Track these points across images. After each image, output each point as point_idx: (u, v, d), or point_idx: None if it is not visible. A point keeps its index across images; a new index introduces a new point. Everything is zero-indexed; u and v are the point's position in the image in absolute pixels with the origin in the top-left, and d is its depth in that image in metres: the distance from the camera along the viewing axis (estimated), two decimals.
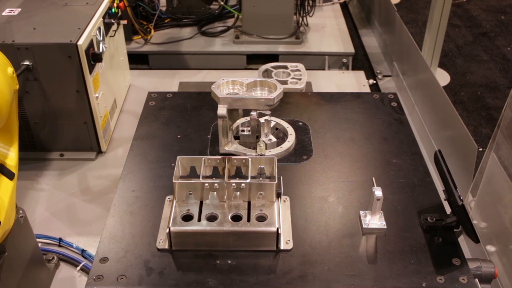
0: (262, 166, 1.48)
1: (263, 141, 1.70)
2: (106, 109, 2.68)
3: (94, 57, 2.40)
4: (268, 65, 2.46)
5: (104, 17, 2.62)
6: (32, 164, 2.58)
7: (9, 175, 1.55)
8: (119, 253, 1.36)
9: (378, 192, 1.39)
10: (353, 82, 3.44)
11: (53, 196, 2.42)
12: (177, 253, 1.36)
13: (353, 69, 3.71)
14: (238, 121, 1.79)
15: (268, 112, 1.72)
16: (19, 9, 2.56)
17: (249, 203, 1.43)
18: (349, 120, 1.90)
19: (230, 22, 4.01)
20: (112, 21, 2.71)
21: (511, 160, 1.91)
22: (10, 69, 1.63)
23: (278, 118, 1.85)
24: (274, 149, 1.71)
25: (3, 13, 2.51)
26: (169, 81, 3.41)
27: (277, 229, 1.34)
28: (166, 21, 4.00)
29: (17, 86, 1.65)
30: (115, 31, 2.78)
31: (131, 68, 3.31)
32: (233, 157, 1.51)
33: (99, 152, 2.66)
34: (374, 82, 3.56)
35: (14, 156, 1.60)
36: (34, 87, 2.38)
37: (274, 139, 1.72)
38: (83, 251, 2.10)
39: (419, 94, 3.01)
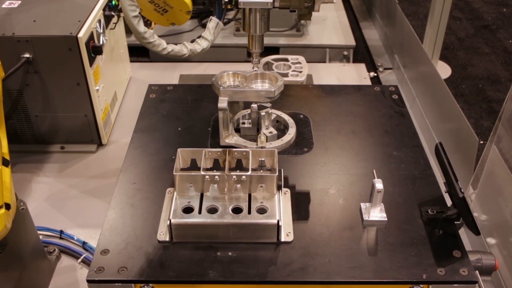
0: (262, 159, 1.48)
1: (264, 133, 1.70)
2: (107, 102, 2.67)
3: (95, 50, 2.40)
4: (269, 58, 2.45)
5: (104, 10, 2.61)
6: (32, 157, 2.58)
7: (5, 162, 1.56)
8: (120, 245, 1.36)
9: (378, 185, 1.39)
10: (354, 74, 3.43)
11: (54, 188, 2.42)
12: (177, 245, 1.36)
13: (354, 61, 3.70)
14: (238, 113, 1.79)
15: (269, 105, 1.71)
16: (19, 2, 2.55)
17: (249, 195, 1.43)
18: (350, 112, 1.90)
19: (230, 14, 3.98)
20: (113, 13, 2.70)
21: None
22: None
23: (278, 110, 1.85)
24: (275, 142, 1.71)
25: (3, 6, 2.51)
26: (169, 74, 3.40)
27: (278, 221, 1.35)
28: None
29: (3, 74, 1.64)
30: (116, 23, 2.77)
31: (131, 61, 3.30)
32: (234, 149, 1.51)
33: (100, 144, 2.66)
34: (375, 74, 3.55)
35: (5, 144, 1.61)
36: (35, 80, 2.38)
37: (274, 132, 1.72)
38: (84, 243, 2.11)
39: (420, 86, 3.00)
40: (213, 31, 1.61)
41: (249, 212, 1.37)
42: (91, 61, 2.39)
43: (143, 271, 1.29)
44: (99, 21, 2.51)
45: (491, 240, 2.02)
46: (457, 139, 2.39)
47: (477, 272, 1.40)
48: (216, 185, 1.42)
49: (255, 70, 1.67)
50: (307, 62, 2.47)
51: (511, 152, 1.92)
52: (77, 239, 2.13)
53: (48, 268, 2.00)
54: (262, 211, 1.39)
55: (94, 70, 2.43)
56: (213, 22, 1.61)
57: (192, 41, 1.60)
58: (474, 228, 1.32)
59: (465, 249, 1.36)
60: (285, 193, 1.50)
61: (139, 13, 1.49)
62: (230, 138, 1.69)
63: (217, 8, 1.60)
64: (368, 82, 3.35)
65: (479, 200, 2.15)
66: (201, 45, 1.60)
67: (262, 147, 1.65)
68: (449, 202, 1.46)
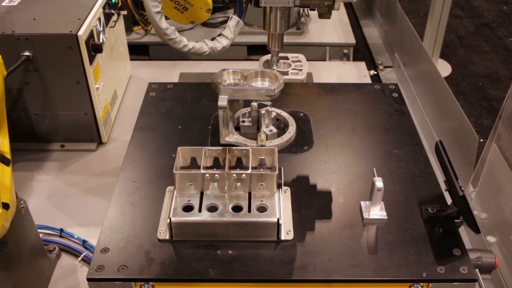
0: (262, 157, 1.48)
1: (264, 132, 1.70)
2: (107, 100, 2.67)
3: (94, 48, 2.39)
4: (269, 56, 2.45)
5: (104, 8, 2.60)
6: (32, 155, 2.58)
7: (6, 162, 1.56)
8: (120, 243, 1.36)
9: (379, 183, 1.39)
10: (354, 73, 3.43)
11: (54, 187, 2.43)
12: (178, 244, 1.36)
13: (354, 60, 3.70)
14: (238, 111, 1.79)
15: (269, 103, 1.71)
16: (19, 0, 2.55)
17: (249, 193, 1.43)
18: (350, 111, 1.90)
19: (230, 12, 3.97)
20: (112, 11, 2.70)
21: None
22: None
23: (278, 109, 1.84)
24: (275, 140, 1.70)
25: (3, 4, 2.50)
26: (169, 72, 3.40)
27: (278, 219, 1.35)
28: None
29: (5, 73, 1.65)
30: (115, 21, 2.77)
31: (131, 59, 3.30)
32: (234, 147, 1.51)
33: (100, 143, 2.66)
34: (375, 73, 3.55)
35: (6, 143, 1.61)
36: (34, 78, 2.38)
37: (274, 130, 1.72)
38: (84, 241, 2.11)
39: (420, 85, 3.00)
40: (234, 29, 1.60)
41: (249, 211, 1.37)
42: (91, 59, 2.39)
43: (143, 269, 1.29)
44: (99, 19, 2.51)
45: (491, 238, 2.02)
46: (457, 137, 2.39)
47: (477, 270, 1.40)
48: (216, 183, 1.42)
49: (274, 69, 1.67)
50: (307, 60, 2.47)
51: (511, 150, 1.91)
52: (77, 237, 2.13)
53: (48, 266, 2.00)
54: (262, 209, 1.39)
55: (94, 68, 2.43)
56: (233, 21, 1.60)
57: (213, 39, 1.60)
58: (474, 226, 1.32)
59: (465, 247, 1.36)
60: (285, 192, 1.50)
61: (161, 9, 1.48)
62: (230, 137, 1.69)
63: (238, 6, 1.60)
64: (368, 80, 3.35)
65: (479, 198, 2.15)
66: (222, 43, 1.59)
67: (262, 146, 1.65)
68: (449, 200, 1.46)
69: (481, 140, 2.84)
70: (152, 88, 2.02)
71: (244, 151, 1.49)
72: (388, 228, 1.41)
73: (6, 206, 1.50)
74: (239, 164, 1.50)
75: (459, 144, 2.35)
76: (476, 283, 1.31)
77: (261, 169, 1.47)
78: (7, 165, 1.57)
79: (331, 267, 1.30)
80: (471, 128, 2.21)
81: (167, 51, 3.67)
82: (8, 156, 1.59)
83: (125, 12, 2.90)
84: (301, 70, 2.37)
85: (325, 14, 1.59)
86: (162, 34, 1.50)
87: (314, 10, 1.59)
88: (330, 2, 1.55)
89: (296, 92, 2.01)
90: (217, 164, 1.50)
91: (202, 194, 1.42)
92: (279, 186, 1.44)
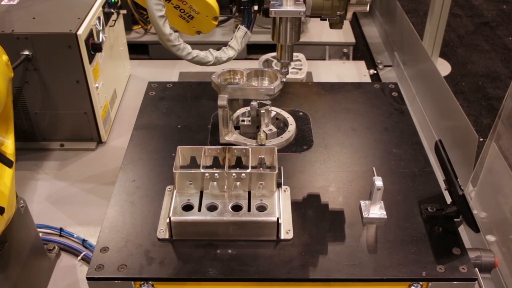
0: (262, 156, 1.48)
1: (264, 131, 1.70)
2: (106, 99, 2.67)
3: (94, 47, 2.39)
4: (269, 55, 2.46)
5: (103, 7, 2.60)
6: (32, 154, 2.58)
7: (8, 163, 1.55)
8: (119, 242, 1.36)
9: (378, 182, 1.39)
10: (353, 72, 3.43)
11: (53, 186, 2.43)
12: (177, 243, 1.36)
13: (353, 59, 3.70)
14: (238, 111, 1.79)
15: (269, 102, 1.71)
16: None
17: (249, 193, 1.43)
18: (350, 110, 1.90)
19: (226, 13, 3.97)
20: (112, 10, 2.70)
21: (511, 150, 1.91)
22: (5, 57, 1.62)
23: (278, 108, 1.84)
24: (275, 139, 1.70)
25: (2, 3, 2.50)
26: (169, 71, 3.40)
27: (278, 219, 1.35)
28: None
29: (12, 74, 1.64)
30: (115, 20, 2.77)
31: (131, 58, 3.30)
32: (234, 147, 1.51)
33: (100, 142, 2.66)
34: (375, 72, 3.55)
35: (11, 144, 1.60)
36: (34, 77, 2.37)
37: (274, 129, 1.72)
38: (84, 241, 2.11)
39: (420, 84, 3.00)
40: (241, 40, 1.54)
41: (249, 210, 1.37)
42: (91, 58, 2.39)
43: (142, 268, 1.29)
44: (99, 18, 2.51)
45: (490, 238, 2.02)
46: (456, 137, 2.39)
47: (476, 269, 1.41)
48: (215, 182, 1.42)
49: (283, 81, 1.64)
50: (307, 59, 2.48)
51: (510, 149, 1.91)
52: (77, 236, 2.13)
53: (48, 265, 2.00)
54: (261, 208, 1.39)
55: (93, 67, 2.43)
56: (241, 31, 1.55)
57: (218, 49, 1.56)
58: (473, 225, 1.33)
59: (465, 246, 1.36)
60: (284, 191, 1.50)
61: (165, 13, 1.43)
62: (230, 136, 1.69)
63: (246, 17, 1.55)
64: (368, 80, 3.35)
65: (478, 197, 2.15)
66: (228, 53, 1.53)
67: (261, 145, 1.65)
68: (448, 200, 1.46)
69: (481, 139, 2.84)
70: (152, 87, 2.02)
71: (244, 150, 1.49)
72: (387, 227, 1.41)
73: (1, 210, 1.49)
74: (239, 163, 1.50)
75: (458, 143, 2.35)
76: (476, 282, 1.31)
77: (261, 168, 1.47)
78: (10, 166, 1.56)
79: (330, 266, 1.30)
80: (471, 127, 2.21)
81: (166, 50, 3.67)
82: (12, 158, 1.58)
83: (124, 11, 2.90)
84: (300, 69, 2.38)
85: (337, 24, 1.54)
86: (165, 40, 1.44)
87: (325, 20, 1.54)
88: (342, 12, 1.50)
89: (295, 91, 2.01)
90: (216, 163, 1.50)
91: (201, 193, 1.42)
92: (278, 185, 1.45)
